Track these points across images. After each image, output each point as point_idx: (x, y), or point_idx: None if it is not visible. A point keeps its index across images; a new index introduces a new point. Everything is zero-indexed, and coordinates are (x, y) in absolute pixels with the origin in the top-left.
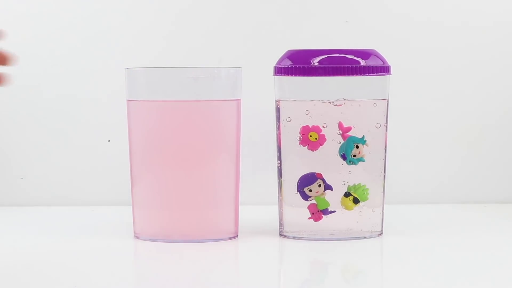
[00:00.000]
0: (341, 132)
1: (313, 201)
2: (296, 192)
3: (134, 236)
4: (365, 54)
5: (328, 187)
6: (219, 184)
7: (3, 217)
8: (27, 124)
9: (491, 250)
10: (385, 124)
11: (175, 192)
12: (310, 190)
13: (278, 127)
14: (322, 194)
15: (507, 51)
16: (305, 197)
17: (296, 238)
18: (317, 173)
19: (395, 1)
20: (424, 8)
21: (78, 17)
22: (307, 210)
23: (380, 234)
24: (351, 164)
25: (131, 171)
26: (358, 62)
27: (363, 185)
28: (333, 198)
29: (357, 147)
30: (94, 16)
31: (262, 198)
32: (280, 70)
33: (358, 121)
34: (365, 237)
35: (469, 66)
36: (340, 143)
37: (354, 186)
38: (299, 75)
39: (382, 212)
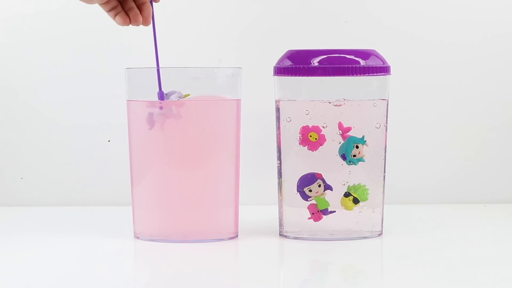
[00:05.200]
0: (341, 132)
1: (313, 201)
2: (296, 192)
3: (134, 236)
4: (365, 54)
5: (328, 187)
6: (219, 184)
7: (3, 217)
8: (27, 124)
9: (491, 250)
10: (385, 124)
11: (175, 192)
12: (310, 190)
13: (278, 127)
14: (322, 194)
15: (508, 51)
16: (305, 197)
17: (296, 238)
18: (317, 173)
19: (395, 1)
20: (424, 8)
21: (78, 17)
22: (307, 210)
23: (380, 234)
24: (351, 164)
25: (131, 171)
26: (358, 62)
27: (363, 185)
28: (333, 198)
29: (357, 147)
30: (94, 16)
31: (262, 198)
32: (280, 70)
33: (358, 121)
34: (365, 237)
35: (469, 66)
36: (340, 143)
37: (354, 186)
38: (299, 75)
39: (382, 212)
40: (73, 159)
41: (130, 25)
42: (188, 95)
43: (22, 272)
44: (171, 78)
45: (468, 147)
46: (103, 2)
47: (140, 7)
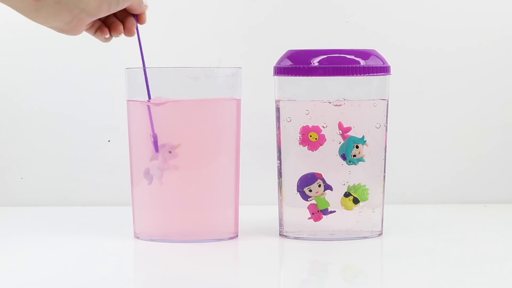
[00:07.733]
0: (341, 132)
1: (313, 201)
2: (296, 192)
3: (134, 236)
4: (365, 54)
5: (328, 187)
6: (219, 184)
7: (3, 217)
8: (27, 124)
9: (491, 250)
10: (385, 124)
11: (175, 192)
12: (310, 190)
13: (278, 127)
14: (322, 194)
15: (507, 52)
16: (305, 197)
17: (296, 238)
18: (317, 173)
19: (395, 2)
20: (424, 8)
21: None
22: (307, 210)
23: (380, 234)
24: (351, 164)
25: (131, 171)
26: (358, 62)
27: (363, 185)
28: (333, 198)
29: (357, 147)
30: None
31: (262, 198)
32: (280, 70)
33: (358, 121)
34: (365, 237)
35: (469, 66)
36: (340, 143)
37: (354, 186)
38: (299, 75)
39: (382, 212)
40: (73, 160)
41: (112, 36)
42: (180, 145)
43: (22, 272)
44: (171, 78)
45: (468, 147)
46: (87, 27)
47: (123, 21)
